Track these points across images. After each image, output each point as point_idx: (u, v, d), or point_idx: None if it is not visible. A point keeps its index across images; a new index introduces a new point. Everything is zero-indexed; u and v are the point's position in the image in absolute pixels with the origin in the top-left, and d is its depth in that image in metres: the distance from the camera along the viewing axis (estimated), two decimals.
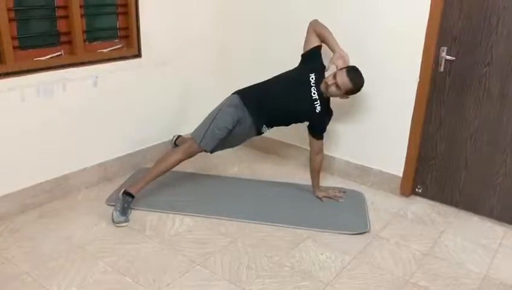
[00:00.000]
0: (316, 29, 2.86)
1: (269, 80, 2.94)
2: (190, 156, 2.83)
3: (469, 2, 2.69)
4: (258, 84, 2.94)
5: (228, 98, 2.89)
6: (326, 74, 2.82)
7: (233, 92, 2.93)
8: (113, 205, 2.77)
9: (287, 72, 2.94)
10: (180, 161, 2.81)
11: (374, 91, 3.12)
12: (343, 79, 2.67)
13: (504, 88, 2.69)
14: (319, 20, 2.89)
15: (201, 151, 2.85)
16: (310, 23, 2.90)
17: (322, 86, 2.77)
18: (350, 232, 2.70)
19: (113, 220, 2.65)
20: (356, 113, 3.23)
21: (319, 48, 2.88)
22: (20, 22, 2.66)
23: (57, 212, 2.80)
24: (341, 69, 2.71)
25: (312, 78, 2.80)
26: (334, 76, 2.70)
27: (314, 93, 2.79)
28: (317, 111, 2.82)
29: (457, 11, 2.74)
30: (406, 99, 3.00)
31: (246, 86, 2.96)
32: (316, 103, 2.80)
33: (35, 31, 2.77)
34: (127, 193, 2.73)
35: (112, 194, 2.98)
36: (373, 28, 3.03)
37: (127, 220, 2.68)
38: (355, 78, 2.70)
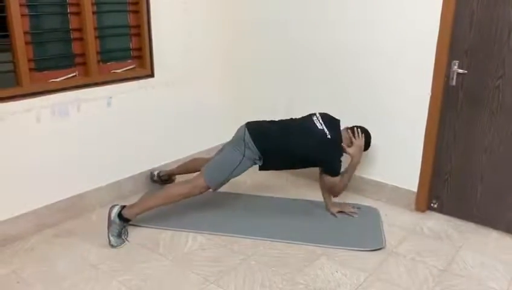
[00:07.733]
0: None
1: (290, 137, 2.82)
2: (196, 195, 2.78)
3: (479, 14, 2.69)
4: (279, 137, 2.82)
5: (245, 143, 2.77)
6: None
7: (250, 128, 2.82)
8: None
9: (307, 131, 2.87)
10: (184, 198, 2.77)
11: (386, 107, 3.11)
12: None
13: None
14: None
15: None
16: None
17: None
18: (365, 249, 2.66)
19: (111, 245, 2.63)
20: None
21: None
22: (36, 45, 2.72)
23: (71, 231, 2.82)
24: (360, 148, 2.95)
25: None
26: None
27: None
28: (328, 137, 2.80)
29: (468, 24, 2.73)
30: (419, 113, 2.98)
31: (259, 118, 2.94)
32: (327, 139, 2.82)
33: (51, 53, 2.83)
34: (124, 219, 2.68)
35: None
36: (383, 43, 3.04)
37: (125, 241, 2.68)
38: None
